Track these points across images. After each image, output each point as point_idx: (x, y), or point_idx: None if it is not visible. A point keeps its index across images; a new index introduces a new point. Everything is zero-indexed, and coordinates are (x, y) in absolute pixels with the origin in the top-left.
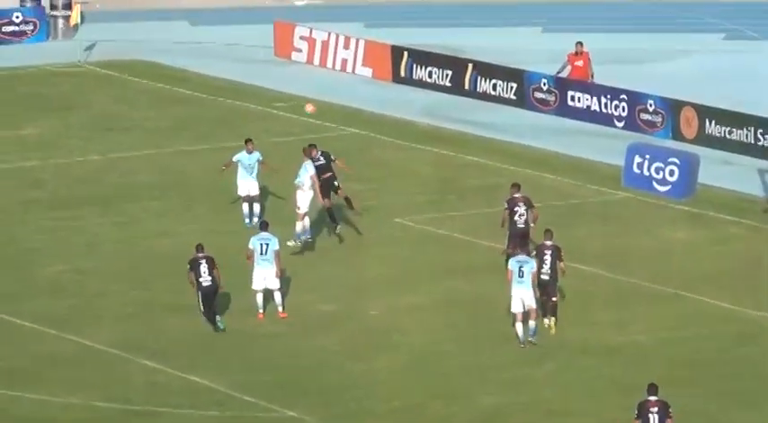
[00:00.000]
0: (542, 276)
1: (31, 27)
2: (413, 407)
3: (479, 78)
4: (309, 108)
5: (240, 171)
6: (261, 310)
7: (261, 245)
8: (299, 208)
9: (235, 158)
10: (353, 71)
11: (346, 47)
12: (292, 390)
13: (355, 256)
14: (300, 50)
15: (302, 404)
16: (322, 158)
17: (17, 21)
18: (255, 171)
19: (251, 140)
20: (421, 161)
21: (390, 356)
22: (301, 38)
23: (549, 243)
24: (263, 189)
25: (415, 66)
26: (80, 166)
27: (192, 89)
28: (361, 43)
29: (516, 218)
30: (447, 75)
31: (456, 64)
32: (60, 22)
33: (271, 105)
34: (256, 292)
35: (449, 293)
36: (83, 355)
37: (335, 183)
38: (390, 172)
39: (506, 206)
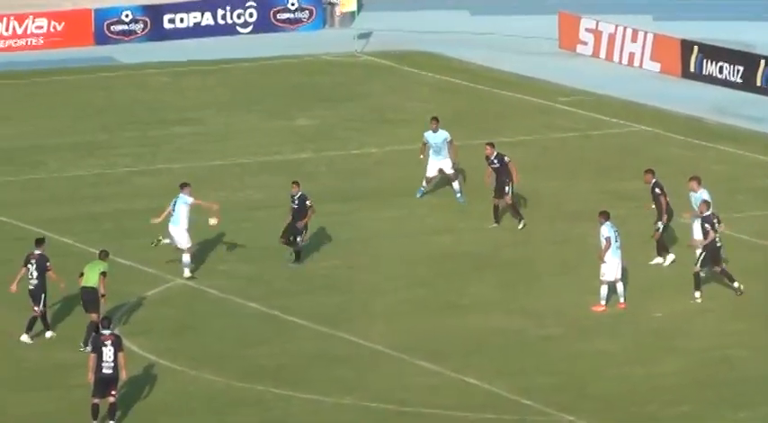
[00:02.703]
0: None
1: (307, 15)
2: (697, 414)
3: None
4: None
5: (430, 152)
6: (604, 302)
7: (616, 233)
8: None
9: (425, 139)
10: (641, 65)
11: (634, 40)
12: (570, 394)
13: (639, 255)
14: (586, 43)
15: (581, 409)
16: (496, 161)
17: (292, 8)
18: (444, 152)
19: (436, 118)
20: (708, 159)
21: (674, 361)
22: (587, 30)
23: None
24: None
25: (705, 61)
26: (356, 158)
27: (471, 81)
28: (650, 37)
29: None
30: (738, 71)
31: (748, 60)
32: (337, 9)
33: (554, 99)
34: (605, 282)
35: (736, 297)
36: (355, 354)
37: (506, 188)
38: (676, 170)
39: None
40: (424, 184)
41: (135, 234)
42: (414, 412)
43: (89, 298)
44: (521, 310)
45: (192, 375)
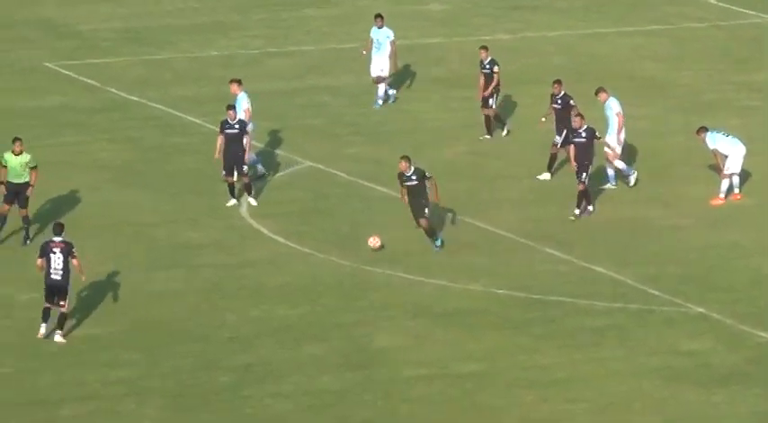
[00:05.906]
0: None
1: None
2: None
3: None
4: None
5: (372, 49)
6: (723, 195)
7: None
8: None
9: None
10: None
11: None
12: (700, 285)
13: None
14: None
15: (709, 300)
16: (488, 67)
17: None
18: (385, 50)
19: (380, 15)
20: None
21: None
22: None
23: None
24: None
25: None
26: (487, 44)
27: None
28: None
29: None
30: None
31: None
32: None
33: None
34: (726, 176)
35: None
36: (484, 241)
37: (490, 99)
38: None
39: None
40: (379, 91)
41: (265, 115)
42: (541, 299)
43: (20, 191)
44: (649, 200)
45: (320, 258)
